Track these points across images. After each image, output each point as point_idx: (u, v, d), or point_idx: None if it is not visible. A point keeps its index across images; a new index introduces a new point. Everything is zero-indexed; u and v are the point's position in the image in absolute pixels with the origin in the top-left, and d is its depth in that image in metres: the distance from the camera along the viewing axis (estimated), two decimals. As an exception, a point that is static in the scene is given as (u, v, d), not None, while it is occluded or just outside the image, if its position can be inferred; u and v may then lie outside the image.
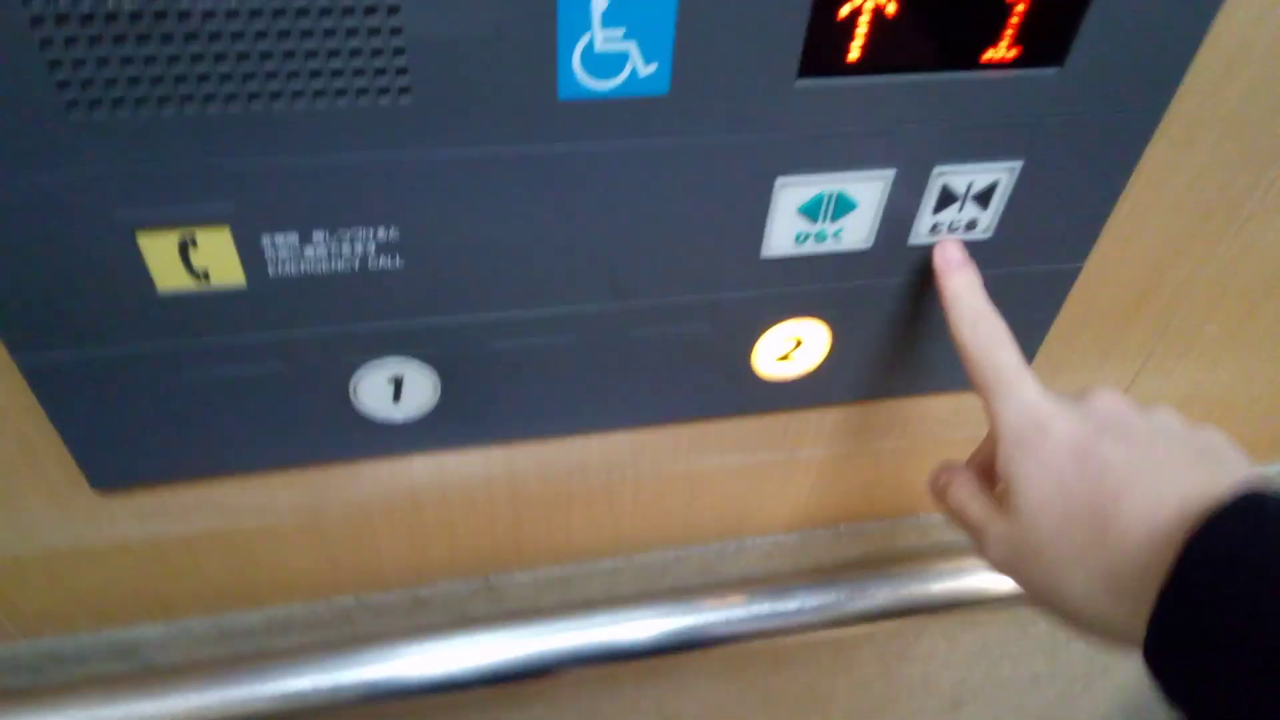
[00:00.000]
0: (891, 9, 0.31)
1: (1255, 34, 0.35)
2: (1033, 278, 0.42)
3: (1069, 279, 0.43)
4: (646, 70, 0.30)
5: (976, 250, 0.39)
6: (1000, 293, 0.41)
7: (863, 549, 0.58)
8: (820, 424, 0.49)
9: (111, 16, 0.25)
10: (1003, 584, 0.49)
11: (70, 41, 0.26)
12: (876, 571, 0.54)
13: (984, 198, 0.38)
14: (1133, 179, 0.39)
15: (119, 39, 0.26)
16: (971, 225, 0.39)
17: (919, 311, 0.42)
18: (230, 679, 0.45)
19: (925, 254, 0.39)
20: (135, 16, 0.25)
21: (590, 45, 0.29)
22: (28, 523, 0.41)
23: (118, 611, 0.47)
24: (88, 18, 0.25)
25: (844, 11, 0.30)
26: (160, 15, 0.26)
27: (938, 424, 0.50)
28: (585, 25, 0.29)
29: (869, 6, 0.30)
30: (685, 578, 0.55)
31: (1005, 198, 0.38)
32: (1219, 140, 0.39)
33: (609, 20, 0.29)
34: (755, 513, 0.53)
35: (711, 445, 0.48)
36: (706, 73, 0.31)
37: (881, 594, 0.53)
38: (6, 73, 0.26)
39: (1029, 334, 0.45)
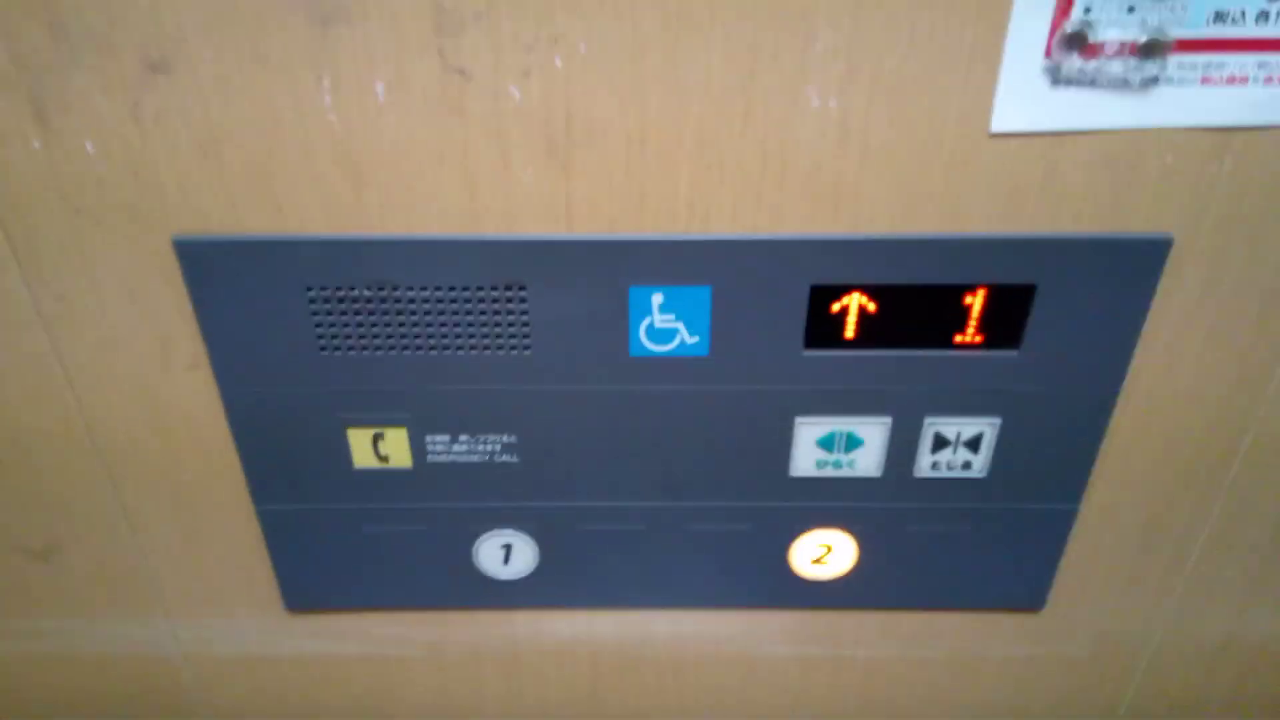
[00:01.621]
0: (872, 307, 0.43)
1: (1195, 319, 0.44)
2: (1031, 515, 0.50)
3: (1068, 518, 0.50)
4: (691, 340, 0.43)
5: (974, 488, 0.48)
6: (1004, 526, 0.50)
7: (914, 754, 0.62)
8: (860, 626, 0.56)
9: (354, 299, 0.42)
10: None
11: (328, 311, 0.42)
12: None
13: (973, 444, 0.47)
14: (1110, 437, 0.47)
15: (356, 311, 0.42)
16: (967, 465, 0.48)
17: (933, 533, 0.51)
18: (355, 782, 0.56)
19: (930, 485, 0.48)
20: (368, 300, 0.42)
21: (651, 324, 0.43)
22: (235, 631, 0.55)
23: (281, 714, 0.60)
24: (340, 299, 0.42)
25: (835, 308, 0.43)
26: (383, 300, 0.41)
27: (970, 639, 0.57)
28: (647, 311, 0.42)
29: (855, 305, 0.43)
30: (745, 757, 0.62)
31: (993, 445, 0.47)
32: (1183, 411, 0.47)
33: (664, 309, 0.42)
34: (808, 703, 0.60)
35: (763, 633, 0.57)
36: (735, 344, 0.43)
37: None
38: (287, 326, 0.42)
39: (1041, 565, 0.52)
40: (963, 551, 0.51)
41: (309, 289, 0.41)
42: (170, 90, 0.37)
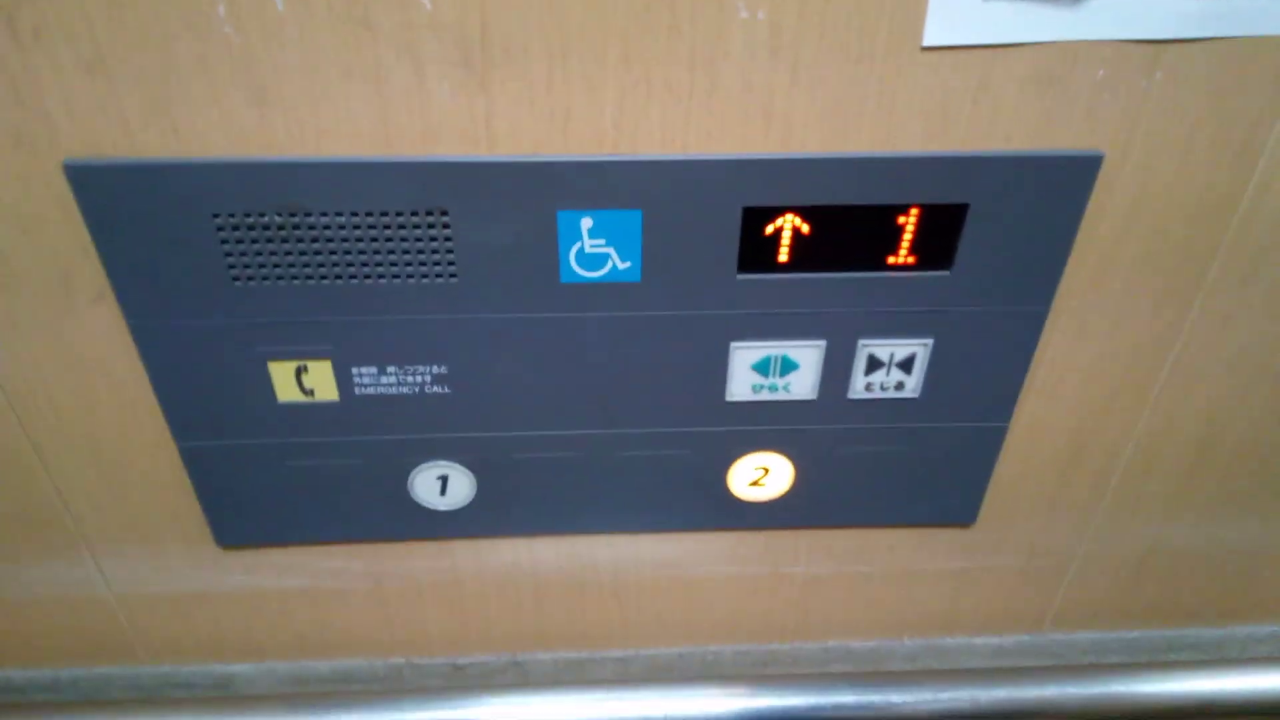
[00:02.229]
0: (805, 229, 0.42)
1: (1124, 237, 0.44)
2: (962, 433, 0.50)
3: (998, 436, 0.51)
4: (623, 266, 0.42)
5: (907, 408, 0.49)
6: (937, 445, 0.50)
7: (851, 666, 0.64)
8: (797, 545, 0.57)
9: (265, 226, 0.39)
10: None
11: (238, 240, 0.40)
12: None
13: (906, 365, 0.47)
14: (1039, 356, 0.48)
15: (269, 239, 0.40)
16: (900, 386, 0.48)
17: (867, 453, 0.51)
18: (300, 713, 0.56)
19: (864, 406, 0.49)
20: (279, 226, 0.40)
21: (581, 249, 0.41)
22: (167, 569, 0.54)
23: (221, 650, 0.59)
24: (249, 226, 0.40)
25: (769, 230, 0.42)
26: (295, 226, 0.40)
27: (905, 554, 0.58)
28: (577, 236, 0.41)
29: (788, 227, 0.42)
30: (689, 674, 0.63)
31: (925, 366, 0.47)
32: (1111, 330, 0.47)
33: (594, 234, 0.41)
34: (748, 621, 0.62)
35: (703, 555, 0.57)
36: (668, 268, 0.42)
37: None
38: (195, 255, 0.40)
39: (972, 481, 0.53)
40: (897, 470, 0.52)
41: (215, 215, 0.39)
42: (48, 2, 0.34)
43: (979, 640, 0.63)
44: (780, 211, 0.41)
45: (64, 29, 0.35)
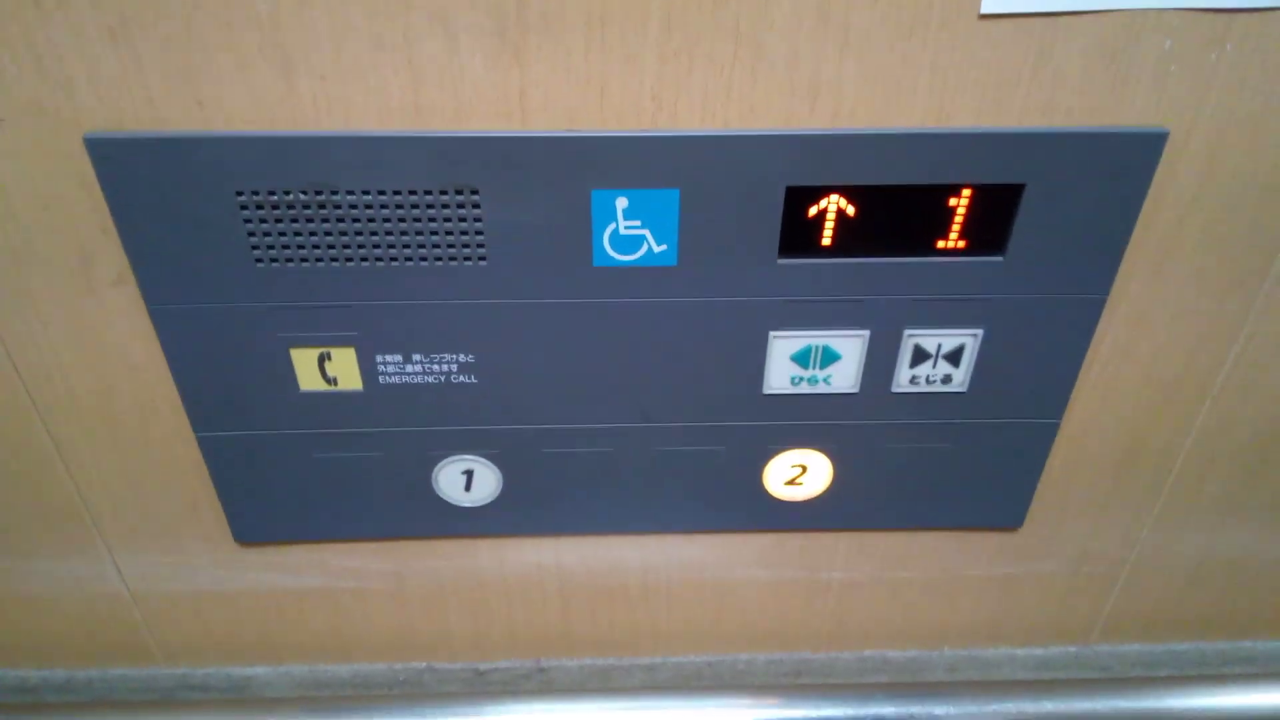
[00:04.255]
0: (850, 211, 0.40)
1: (1188, 220, 0.42)
2: (1013, 428, 0.48)
3: (1049, 432, 0.49)
4: (659, 249, 0.40)
5: (954, 403, 0.46)
6: (984, 443, 0.48)
7: (888, 677, 0.62)
8: (835, 548, 0.55)
9: (290, 204, 0.38)
10: None
11: (262, 219, 0.38)
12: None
13: (954, 357, 0.45)
14: (1094, 349, 0.46)
15: (293, 219, 0.38)
16: (947, 379, 0.46)
17: (910, 451, 0.49)
18: (318, 717, 0.55)
19: (909, 400, 0.47)
20: (304, 205, 0.38)
21: (615, 231, 0.40)
22: (184, 566, 0.53)
23: (238, 652, 0.57)
24: (274, 204, 0.38)
25: (812, 212, 0.40)
26: (321, 205, 0.38)
27: (947, 559, 0.56)
28: (611, 217, 0.39)
29: (833, 209, 0.40)
30: (719, 683, 0.61)
31: (973, 358, 0.45)
32: (1172, 320, 0.45)
33: (629, 215, 0.39)
34: (782, 628, 0.59)
35: (736, 558, 0.55)
36: (705, 251, 0.40)
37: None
38: (217, 235, 0.39)
39: (1020, 482, 0.51)
40: (941, 469, 0.50)
41: (239, 193, 0.38)
42: (69, -35, 0.33)
43: (1023, 651, 0.61)
44: (825, 192, 0.39)
45: (87, -5, 0.34)
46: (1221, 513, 0.53)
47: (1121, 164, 0.39)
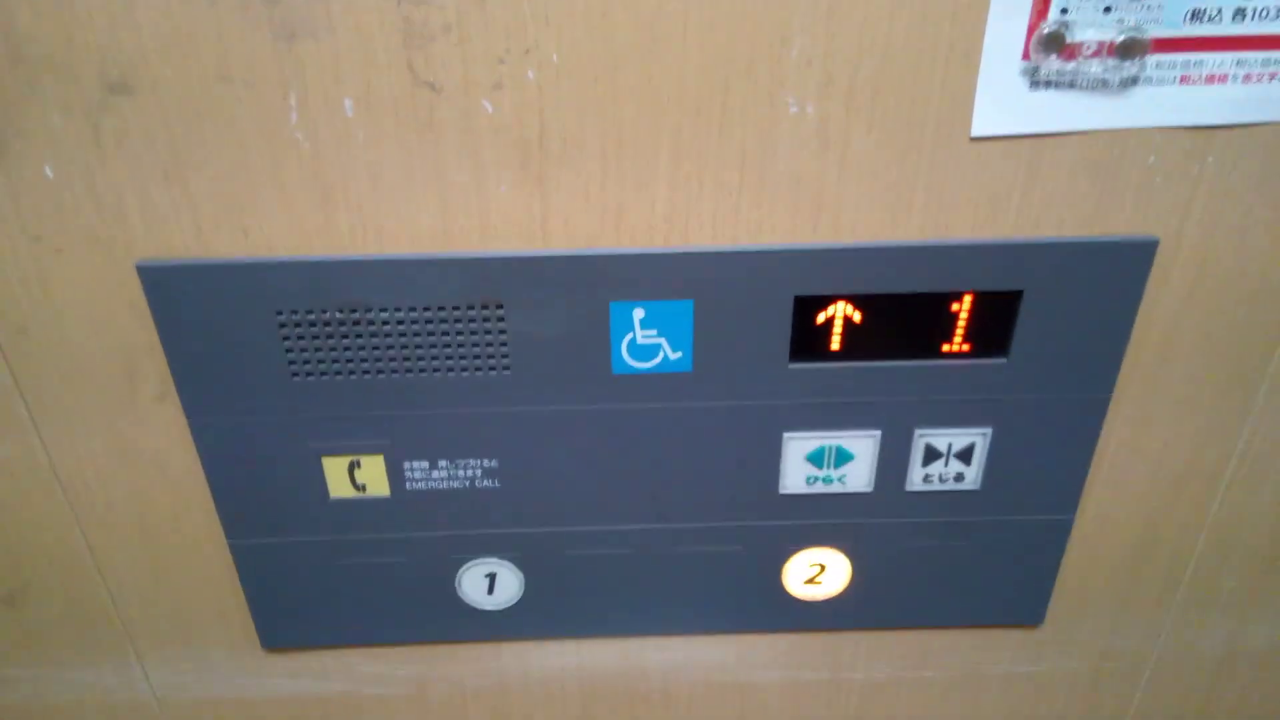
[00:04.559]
0: (857, 317, 0.42)
1: (1184, 321, 0.43)
2: (1028, 525, 0.49)
3: (1064, 528, 0.49)
4: (675, 356, 0.42)
5: (968, 500, 0.47)
6: (1000, 539, 0.49)
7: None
8: (855, 647, 0.55)
9: (325, 322, 0.40)
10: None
11: (299, 336, 0.41)
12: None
13: (965, 455, 0.46)
14: (1103, 445, 0.47)
15: (329, 335, 0.41)
16: (960, 478, 0.47)
17: (927, 548, 0.49)
18: (338, 828, 0.54)
19: (923, 498, 0.47)
20: (339, 323, 0.40)
21: (633, 340, 0.42)
22: (211, 672, 0.53)
23: (261, 760, 0.57)
24: (310, 322, 0.40)
25: (820, 319, 0.42)
26: (355, 322, 0.40)
27: (968, 657, 0.55)
28: (629, 327, 0.41)
29: (840, 315, 0.42)
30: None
31: (984, 456, 0.46)
32: (1176, 416, 0.46)
33: (646, 325, 0.41)
34: (805, 729, 0.59)
35: (758, 659, 0.55)
36: (719, 358, 0.42)
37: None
38: (257, 352, 0.41)
39: (1038, 578, 0.51)
40: (958, 566, 0.50)
41: (279, 313, 0.40)
42: (131, 112, 0.36)
43: (1052, 751, 0.60)
44: (832, 300, 0.41)
45: (146, 137, 0.37)
46: (1243, 605, 0.53)
47: (1115, 270, 0.41)
